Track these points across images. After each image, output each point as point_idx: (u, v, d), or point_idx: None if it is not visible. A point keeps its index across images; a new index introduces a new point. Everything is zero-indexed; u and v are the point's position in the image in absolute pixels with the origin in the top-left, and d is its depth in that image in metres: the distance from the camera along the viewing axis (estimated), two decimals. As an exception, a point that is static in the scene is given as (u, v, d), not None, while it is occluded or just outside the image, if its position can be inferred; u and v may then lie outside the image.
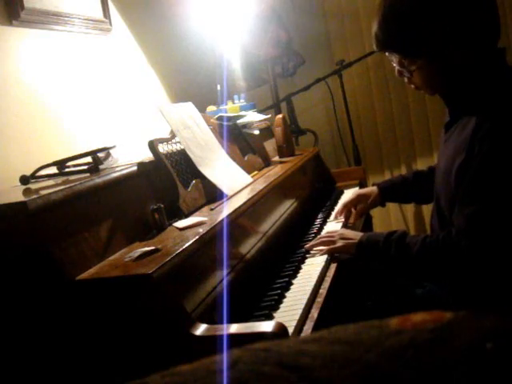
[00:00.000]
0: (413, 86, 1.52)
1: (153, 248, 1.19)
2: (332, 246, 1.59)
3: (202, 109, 2.19)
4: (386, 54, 1.50)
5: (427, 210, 3.06)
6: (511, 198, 1.28)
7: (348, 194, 2.46)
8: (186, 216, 1.50)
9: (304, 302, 1.29)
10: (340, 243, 1.59)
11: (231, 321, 1.12)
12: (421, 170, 1.96)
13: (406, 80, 1.52)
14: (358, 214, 2.00)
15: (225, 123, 2.10)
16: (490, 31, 1.41)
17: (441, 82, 1.46)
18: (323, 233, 1.81)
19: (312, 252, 1.65)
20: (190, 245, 1.20)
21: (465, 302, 1.40)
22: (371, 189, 2.02)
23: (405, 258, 1.45)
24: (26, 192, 1.32)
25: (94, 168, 1.44)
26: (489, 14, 1.40)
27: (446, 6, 1.37)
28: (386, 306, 1.55)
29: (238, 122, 2.23)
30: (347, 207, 2.00)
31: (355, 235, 1.58)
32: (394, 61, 1.48)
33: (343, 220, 1.97)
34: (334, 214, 2.06)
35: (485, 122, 1.31)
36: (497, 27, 1.42)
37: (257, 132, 2.35)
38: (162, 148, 1.62)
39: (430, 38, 1.38)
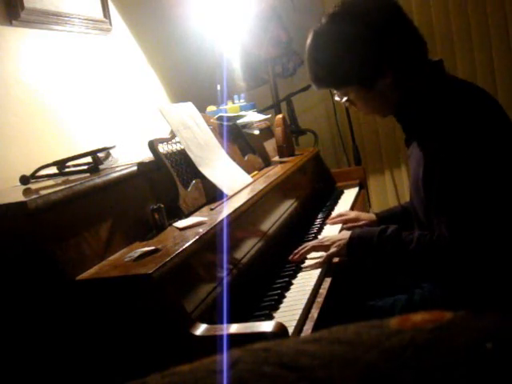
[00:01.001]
0: (364, 113, 1.68)
1: (153, 248, 1.19)
2: (326, 254, 1.56)
3: (201, 109, 2.19)
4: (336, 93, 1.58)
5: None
6: (477, 199, 1.34)
7: (348, 194, 2.46)
8: (186, 216, 1.50)
9: (304, 301, 1.29)
10: (333, 248, 1.55)
11: (231, 321, 1.12)
12: None
13: (357, 109, 1.62)
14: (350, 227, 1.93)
15: (225, 123, 2.10)
16: (412, 47, 1.47)
17: (382, 104, 1.54)
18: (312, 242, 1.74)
19: (305, 266, 1.57)
20: (190, 245, 1.20)
21: (464, 301, 1.40)
22: (370, 215, 1.95)
23: (400, 255, 1.45)
24: (26, 192, 1.32)
25: (94, 168, 1.44)
26: (406, 31, 1.47)
27: (362, 37, 1.43)
28: (386, 306, 1.55)
29: (238, 122, 2.23)
30: (341, 221, 1.93)
31: (345, 235, 1.57)
32: (337, 95, 1.57)
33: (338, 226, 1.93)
34: (328, 221, 1.99)
35: (432, 136, 1.39)
36: (418, 40, 1.48)
37: (257, 132, 2.35)
38: (162, 148, 1.62)
39: (355, 67, 1.45)
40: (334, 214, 2.15)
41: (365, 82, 1.47)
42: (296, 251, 1.60)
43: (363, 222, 1.89)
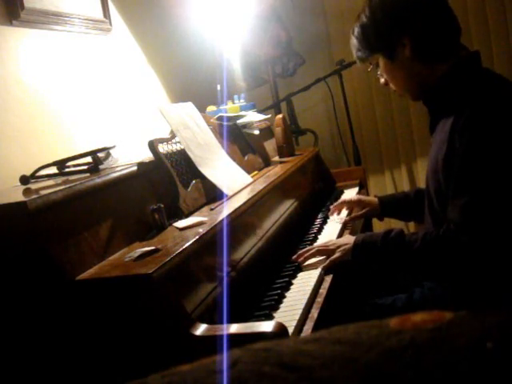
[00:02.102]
0: (397, 93, 1.65)
1: (153, 248, 1.19)
2: (330, 259, 1.55)
3: (202, 109, 2.19)
4: (369, 64, 1.64)
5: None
6: (498, 184, 1.32)
7: (348, 194, 2.46)
8: (186, 216, 1.50)
9: (304, 301, 1.29)
10: (337, 253, 1.54)
11: (231, 321, 1.12)
12: (422, 188, 1.93)
13: (391, 89, 1.64)
14: (353, 217, 1.98)
15: (225, 123, 2.10)
16: (447, 28, 1.51)
17: (407, 79, 1.56)
18: (318, 242, 1.76)
19: (305, 265, 1.57)
20: (190, 245, 1.20)
21: (465, 301, 1.40)
22: (372, 198, 2.01)
23: (406, 256, 1.45)
24: (26, 192, 1.32)
25: (94, 168, 1.44)
26: (445, 13, 1.52)
27: (388, 3, 1.52)
28: (386, 306, 1.55)
29: (238, 122, 2.23)
30: (345, 205, 2.02)
31: (349, 239, 1.57)
32: (378, 68, 1.62)
33: (342, 220, 1.96)
34: (332, 208, 2.06)
35: (461, 115, 1.38)
36: (448, 21, 1.52)
37: (257, 132, 2.35)
38: (162, 148, 1.62)
39: (379, 33, 1.54)
40: (339, 200, 2.16)
41: (386, 50, 1.54)
42: (300, 253, 1.60)
43: (365, 209, 1.96)
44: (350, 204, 2.02)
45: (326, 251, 1.58)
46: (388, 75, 1.60)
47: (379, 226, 2.63)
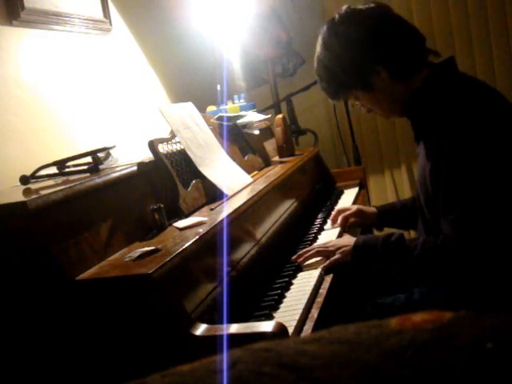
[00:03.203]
0: (384, 117, 1.69)
1: (153, 248, 1.19)
2: (330, 260, 1.54)
3: (202, 109, 2.19)
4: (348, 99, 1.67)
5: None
6: (485, 195, 1.33)
7: (348, 194, 2.46)
8: (186, 216, 1.50)
9: (304, 301, 1.29)
10: (337, 254, 1.54)
11: (231, 321, 1.12)
12: None
13: (377, 114, 1.67)
14: (350, 225, 1.93)
15: (225, 123, 2.10)
16: (412, 41, 1.51)
17: (390, 103, 1.57)
18: (318, 242, 1.75)
19: (305, 265, 1.57)
20: (190, 245, 1.20)
21: (464, 301, 1.40)
22: (371, 208, 1.98)
23: (405, 261, 1.45)
24: (26, 192, 1.32)
25: (94, 168, 1.44)
26: (396, 30, 1.51)
27: (353, 40, 1.50)
28: (386, 306, 1.55)
29: (238, 122, 2.23)
30: (341, 215, 1.93)
31: (349, 241, 1.57)
32: (357, 100, 1.61)
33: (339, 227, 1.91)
34: (329, 219, 1.99)
35: (441, 127, 1.39)
36: (412, 37, 1.52)
37: (257, 132, 2.35)
38: (162, 148, 1.62)
39: (353, 71, 1.51)
40: (334, 211, 2.15)
41: (364, 84, 1.52)
42: (300, 253, 1.60)
43: (366, 217, 1.92)
44: (348, 215, 1.92)
45: (325, 252, 1.57)
46: (371, 105, 1.59)
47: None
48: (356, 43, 1.49)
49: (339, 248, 1.55)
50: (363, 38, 1.49)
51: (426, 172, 1.43)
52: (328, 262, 1.54)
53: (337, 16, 1.56)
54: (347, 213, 1.93)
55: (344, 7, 1.56)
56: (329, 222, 2.03)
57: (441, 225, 1.40)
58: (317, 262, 1.57)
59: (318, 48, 1.58)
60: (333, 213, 1.99)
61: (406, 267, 1.47)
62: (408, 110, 1.55)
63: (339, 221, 1.92)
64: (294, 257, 1.60)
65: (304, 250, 1.61)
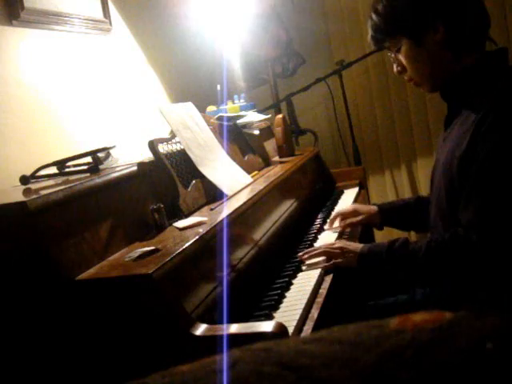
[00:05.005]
0: (412, 82, 1.54)
1: (153, 248, 1.19)
2: (334, 261, 1.53)
3: (202, 109, 2.19)
4: (386, 48, 1.54)
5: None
6: None
7: (348, 194, 2.46)
8: (186, 216, 1.50)
9: (304, 301, 1.29)
10: (341, 258, 1.52)
11: (231, 321, 1.12)
12: (423, 195, 1.88)
13: (406, 78, 1.54)
14: (349, 224, 1.88)
15: (225, 123, 2.10)
16: (480, 19, 1.46)
17: (431, 67, 1.47)
18: (318, 244, 1.75)
19: (308, 264, 1.57)
20: (190, 245, 1.20)
21: (465, 301, 1.40)
22: (370, 206, 1.91)
23: (411, 265, 1.41)
24: (26, 192, 1.32)
25: (94, 168, 1.44)
26: (479, 3, 1.46)
27: None
28: (386, 306, 1.55)
29: (238, 122, 2.23)
30: (340, 217, 1.90)
31: (355, 248, 1.53)
32: (395, 54, 1.51)
33: (338, 229, 1.88)
34: (328, 222, 1.96)
35: (486, 115, 1.31)
36: (481, 12, 1.47)
37: (257, 132, 2.35)
38: (162, 148, 1.62)
39: (409, 14, 1.43)
40: (333, 214, 2.15)
41: (415, 33, 1.44)
42: (307, 251, 1.59)
43: (361, 216, 1.86)
44: (346, 215, 1.90)
45: (331, 253, 1.55)
46: (410, 61, 1.48)
47: (379, 235, 2.62)
48: None
49: (346, 253, 1.53)
50: None
51: (456, 156, 1.35)
52: (332, 263, 1.53)
53: None
54: (342, 212, 1.91)
55: None
56: (328, 221, 2.03)
57: (460, 212, 1.34)
58: (319, 262, 1.56)
59: None
60: (331, 216, 1.97)
61: (413, 271, 1.43)
62: (449, 90, 1.48)
63: (336, 223, 1.90)
64: (300, 254, 1.60)
65: (311, 248, 1.61)
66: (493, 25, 1.49)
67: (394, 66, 1.54)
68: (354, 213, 1.88)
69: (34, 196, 1.11)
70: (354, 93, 3.29)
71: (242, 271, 1.41)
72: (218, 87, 2.70)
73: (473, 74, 1.42)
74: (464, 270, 1.36)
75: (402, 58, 1.49)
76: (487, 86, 1.38)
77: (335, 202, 2.33)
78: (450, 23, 1.42)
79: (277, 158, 2.47)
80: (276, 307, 1.29)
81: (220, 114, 2.16)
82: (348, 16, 3.21)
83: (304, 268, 1.55)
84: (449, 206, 1.42)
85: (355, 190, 2.51)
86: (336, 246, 1.57)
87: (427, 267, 1.39)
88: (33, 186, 1.40)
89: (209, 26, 2.98)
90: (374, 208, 1.87)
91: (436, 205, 1.50)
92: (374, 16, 1.50)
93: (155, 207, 1.40)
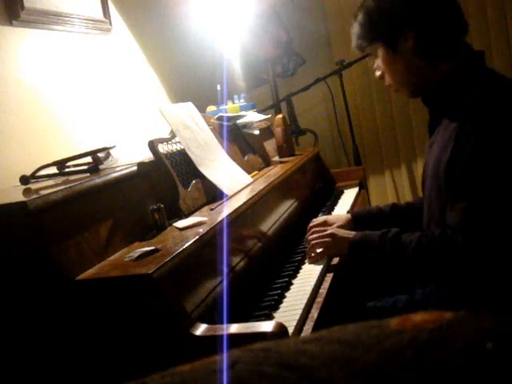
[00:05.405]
0: (391, 88, 1.59)
1: (153, 248, 1.19)
2: (324, 251, 1.56)
3: (201, 109, 2.19)
4: (368, 52, 1.61)
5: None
6: (502, 191, 1.30)
7: (348, 194, 2.46)
8: (186, 216, 1.50)
9: (304, 301, 1.29)
10: (332, 246, 1.55)
11: (231, 321, 1.12)
12: (399, 203, 1.88)
13: (386, 83, 1.59)
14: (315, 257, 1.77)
15: (225, 123, 2.10)
16: (454, 26, 1.48)
17: (407, 73, 1.51)
18: (314, 223, 1.76)
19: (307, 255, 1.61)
20: (190, 245, 1.20)
21: (465, 301, 1.40)
22: (343, 215, 1.87)
23: (400, 256, 1.43)
24: (26, 192, 1.32)
25: (94, 168, 1.44)
26: (453, 11, 1.49)
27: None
28: (386, 306, 1.55)
29: (238, 122, 2.23)
30: (310, 229, 1.77)
31: (347, 234, 1.55)
32: (376, 59, 1.56)
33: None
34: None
35: (467, 119, 1.34)
36: (454, 17, 1.49)
37: (257, 132, 2.35)
38: (162, 148, 1.62)
39: (383, 22, 1.50)
40: (333, 214, 2.15)
41: (389, 40, 1.49)
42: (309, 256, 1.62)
43: (336, 224, 1.73)
44: (314, 226, 1.75)
45: (323, 243, 1.59)
46: (386, 67, 1.53)
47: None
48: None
49: (337, 240, 1.56)
50: None
51: (443, 161, 1.37)
52: (321, 253, 1.58)
53: None
54: (313, 225, 1.78)
55: None
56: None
57: (446, 215, 1.37)
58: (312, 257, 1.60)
59: None
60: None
61: (403, 262, 1.45)
62: (430, 96, 1.51)
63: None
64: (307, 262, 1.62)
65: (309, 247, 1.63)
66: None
67: (376, 72, 1.59)
68: (323, 224, 1.77)
69: (34, 196, 1.11)
70: (353, 93, 3.29)
71: (242, 271, 1.41)
72: (218, 87, 2.70)
73: (450, 81, 1.45)
74: (449, 268, 1.39)
75: (380, 63, 1.55)
76: (467, 91, 1.40)
77: (335, 202, 2.33)
78: (421, 31, 1.46)
79: (277, 158, 2.47)
80: (276, 307, 1.29)
81: (220, 114, 2.16)
82: (348, 16, 3.20)
83: (304, 266, 1.56)
84: (439, 210, 1.44)
85: (355, 190, 2.51)
86: (327, 232, 1.60)
87: (414, 262, 1.42)
88: (33, 186, 1.40)
89: (209, 25, 2.98)
90: (347, 216, 1.83)
91: (428, 208, 1.52)
92: (354, 24, 1.56)
93: (155, 207, 1.40)
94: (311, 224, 1.81)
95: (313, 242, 1.61)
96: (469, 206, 1.31)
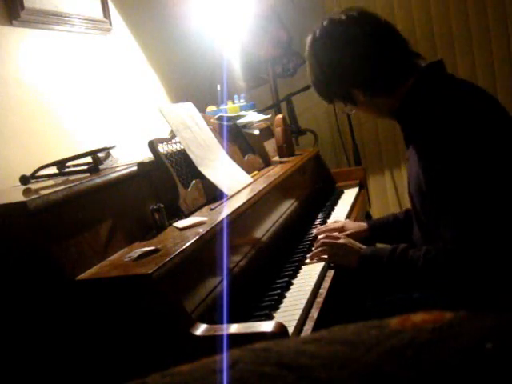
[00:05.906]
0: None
1: (153, 248, 1.19)
2: (333, 259, 1.56)
3: (201, 109, 2.19)
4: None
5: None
6: (478, 193, 1.31)
7: (348, 194, 2.46)
8: (186, 216, 1.50)
9: (304, 301, 1.29)
10: (342, 257, 1.55)
11: (231, 321, 1.12)
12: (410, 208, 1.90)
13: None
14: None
15: (225, 123, 2.10)
16: (395, 58, 1.49)
17: (375, 112, 1.63)
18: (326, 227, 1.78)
19: (310, 256, 1.61)
20: (190, 245, 1.20)
21: (465, 302, 1.40)
22: (360, 224, 1.87)
23: (409, 274, 1.42)
24: (26, 192, 1.32)
25: (94, 168, 1.44)
26: (386, 46, 1.50)
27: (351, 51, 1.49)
28: (386, 306, 1.55)
29: (238, 122, 2.23)
30: (329, 231, 1.80)
31: (358, 248, 1.55)
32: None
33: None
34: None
35: (427, 136, 1.38)
36: (401, 46, 1.51)
37: (257, 132, 2.35)
38: (162, 148, 1.62)
39: (352, 84, 1.52)
40: (333, 214, 2.15)
41: (342, 100, 1.58)
42: (314, 253, 1.62)
43: (350, 231, 1.78)
44: (333, 230, 1.79)
45: (335, 251, 1.58)
46: (359, 112, 1.65)
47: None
48: (329, 67, 1.52)
49: (349, 252, 1.55)
50: (336, 63, 1.50)
51: (421, 177, 1.40)
52: (331, 259, 1.56)
53: (317, 32, 1.55)
54: (331, 227, 1.84)
55: (324, 21, 1.54)
56: (329, 221, 2.03)
57: (441, 231, 1.38)
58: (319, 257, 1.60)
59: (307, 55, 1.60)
60: (321, 229, 1.85)
61: (410, 279, 1.44)
62: (397, 116, 1.54)
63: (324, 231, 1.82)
64: (308, 255, 1.62)
65: (316, 244, 1.64)
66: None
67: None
68: (341, 229, 1.80)
69: (34, 196, 1.11)
70: (353, 93, 3.28)
71: (242, 271, 1.41)
72: (218, 87, 2.70)
73: (409, 100, 1.48)
74: (458, 281, 1.38)
75: (351, 109, 1.63)
76: (427, 105, 1.43)
77: (335, 202, 2.33)
78: (363, 84, 1.50)
79: (277, 158, 2.47)
80: (276, 307, 1.29)
81: (220, 114, 2.16)
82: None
83: (307, 261, 1.58)
84: (426, 220, 1.46)
85: (355, 190, 2.51)
86: (341, 242, 1.59)
87: (424, 277, 1.41)
88: (33, 186, 1.40)
89: (209, 25, 2.98)
90: (363, 225, 1.84)
91: (416, 219, 1.54)
92: (318, 88, 1.62)
93: (155, 207, 1.40)
94: (328, 226, 1.84)
95: (323, 247, 1.60)
96: (455, 218, 1.33)
